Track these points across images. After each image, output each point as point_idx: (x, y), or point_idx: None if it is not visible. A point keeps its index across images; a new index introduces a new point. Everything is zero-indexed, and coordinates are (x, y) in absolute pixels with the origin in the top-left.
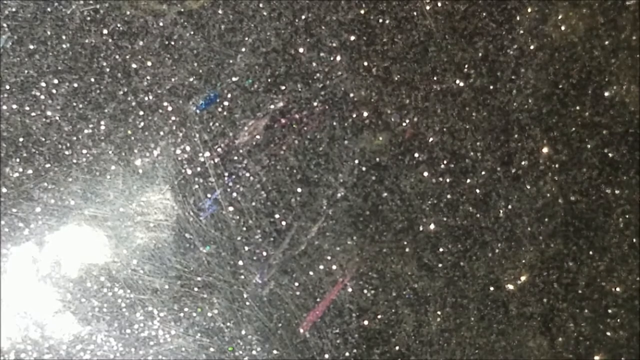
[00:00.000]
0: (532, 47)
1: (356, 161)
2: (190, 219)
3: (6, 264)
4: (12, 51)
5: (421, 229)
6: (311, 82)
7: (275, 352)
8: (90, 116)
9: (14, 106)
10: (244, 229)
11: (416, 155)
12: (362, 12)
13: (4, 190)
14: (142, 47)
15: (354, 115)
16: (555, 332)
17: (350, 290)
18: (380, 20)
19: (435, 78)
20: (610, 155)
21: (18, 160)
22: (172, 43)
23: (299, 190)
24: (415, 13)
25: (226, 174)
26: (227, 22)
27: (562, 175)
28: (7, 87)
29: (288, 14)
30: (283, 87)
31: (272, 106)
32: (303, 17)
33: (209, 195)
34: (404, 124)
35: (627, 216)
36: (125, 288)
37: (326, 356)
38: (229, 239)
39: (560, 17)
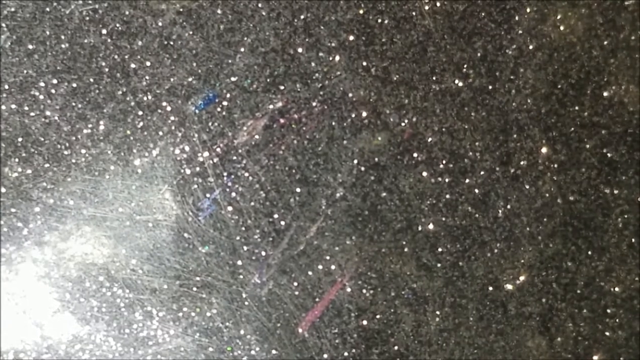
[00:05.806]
0: (531, 47)
1: (355, 161)
2: (189, 218)
3: (6, 264)
4: (12, 51)
5: (420, 228)
6: (310, 82)
7: (274, 351)
8: (89, 116)
9: (13, 106)
10: (243, 228)
11: (415, 155)
12: (361, 12)
13: (3, 190)
14: (141, 47)
15: (353, 115)
16: (554, 332)
17: (349, 290)
18: (379, 20)
19: (434, 78)
20: (609, 155)
21: (17, 160)
22: (171, 43)
23: (298, 190)
24: (414, 13)
25: (225, 173)
26: (226, 22)
27: (561, 175)
28: (7, 87)
29: (287, 13)
30: (282, 87)
31: (271, 106)
32: (302, 17)
33: (207, 195)
34: (402, 124)
35: (626, 216)
36: (124, 288)
37: (325, 356)
38: (227, 239)
39: (559, 17)
